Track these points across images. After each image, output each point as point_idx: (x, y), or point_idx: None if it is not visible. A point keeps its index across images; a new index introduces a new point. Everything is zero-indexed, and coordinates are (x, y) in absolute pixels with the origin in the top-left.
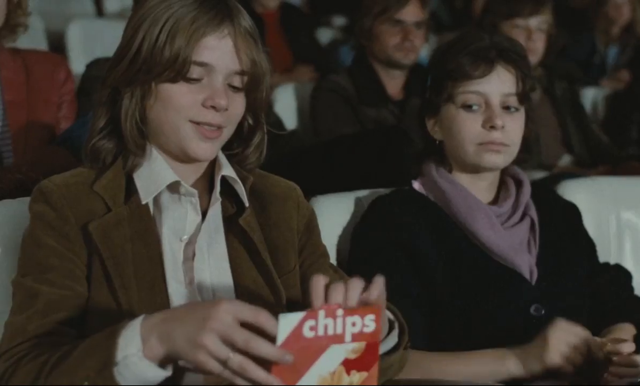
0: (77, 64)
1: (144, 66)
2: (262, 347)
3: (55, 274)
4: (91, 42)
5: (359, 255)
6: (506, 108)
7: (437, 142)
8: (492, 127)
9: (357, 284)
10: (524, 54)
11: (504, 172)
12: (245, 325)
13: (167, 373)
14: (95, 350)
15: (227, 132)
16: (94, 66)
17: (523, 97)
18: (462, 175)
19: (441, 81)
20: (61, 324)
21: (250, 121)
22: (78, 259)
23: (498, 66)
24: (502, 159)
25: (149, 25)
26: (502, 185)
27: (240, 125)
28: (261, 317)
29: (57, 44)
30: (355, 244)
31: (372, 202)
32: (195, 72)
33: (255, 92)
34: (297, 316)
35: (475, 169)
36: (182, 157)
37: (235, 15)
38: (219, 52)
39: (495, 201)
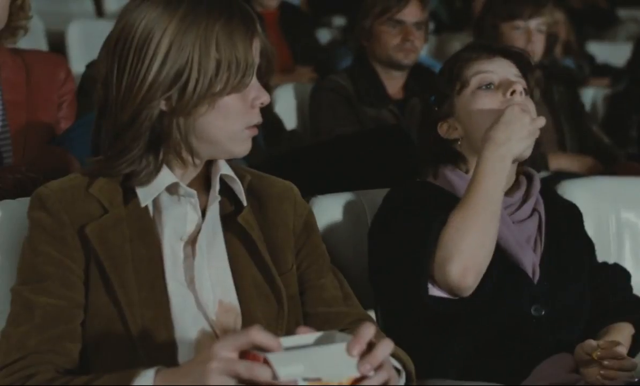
0: (77, 64)
1: (210, 85)
2: (265, 373)
3: (52, 283)
4: (91, 42)
5: (390, 234)
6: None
7: (458, 141)
8: (514, 92)
9: (367, 333)
10: (526, 55)
11: (517, 171)
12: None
13: None
14: None
15: None
16: (94, 65)
17: (529, 85)
18: None
19: (451, 75)
20: (60, 338)
21: None
22: (75, 265)
23: (499, 56)
24: None
25: (199, 43)
26: (514, 182)
27: None
28: (253, 336)
29: (57, 44)
30: (380, 226)
31: (387, 193)
32: (251, 74)
33: (268, 76)
34: None
35: None
36: (222, 156)
37: (251, 13)
38: (257, 50)
39: (507, 195)
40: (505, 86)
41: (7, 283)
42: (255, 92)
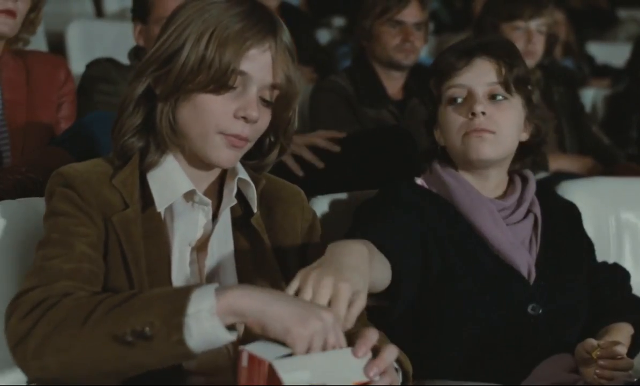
0: (77, 64)
1: (190, 76)
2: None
3: (85, 240)
4: (91, 42)
5: (358, 212)
6: (492, 97)
7: (440, 148)
8: (473, 114)
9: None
10: (507, 46)
11: (511, 171)
12: None
13: (232, 337)
14: (165, 299)
15: (251, 144)
16: (94, 66)
17: (509, 85)
18: (468, 174)
19: (432, 85)
20: (94, 274)
21: (272, 139)
22: (100, 242)
23: (477, 58)
24: (488, 147)
25: (197, 33)
26: (509, 184)
27: (261, 140)
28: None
29: (57, 45)
30: (356, 210)
31: (377, 192)
32: (234, 81)
33: (284, 110)
34: None
35: (472, 164)
36: (204, 161)
37: (278, 31)
38: (258, 64)
39: (501, 198)
40: (469, 103)
41: (7, 283)
42: (241, 102)
